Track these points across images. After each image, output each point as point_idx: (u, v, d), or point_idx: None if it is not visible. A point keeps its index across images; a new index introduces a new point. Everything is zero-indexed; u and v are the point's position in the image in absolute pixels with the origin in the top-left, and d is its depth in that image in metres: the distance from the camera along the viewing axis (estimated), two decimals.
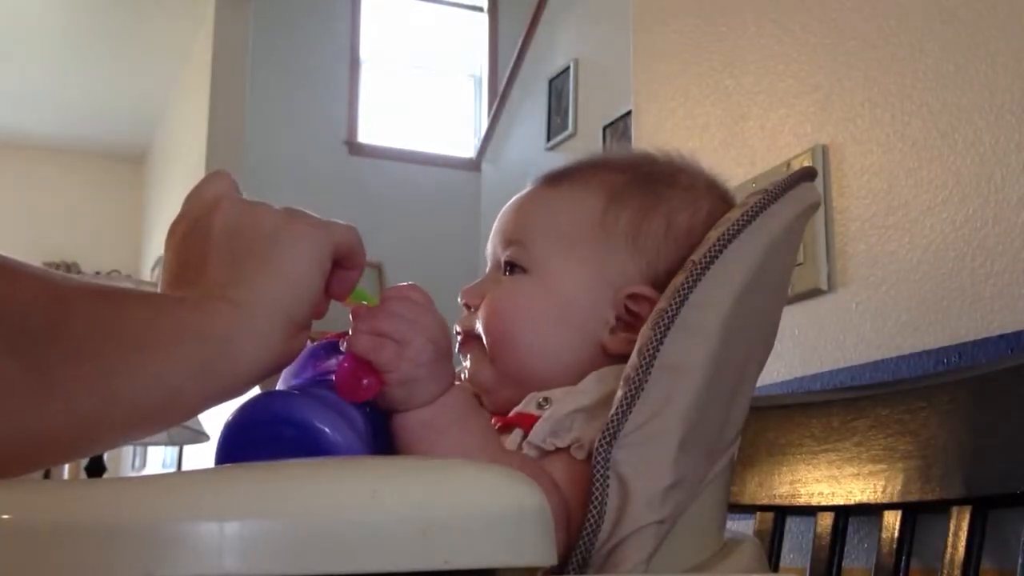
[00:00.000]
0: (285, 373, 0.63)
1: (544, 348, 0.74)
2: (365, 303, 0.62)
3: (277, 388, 0.62)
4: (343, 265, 0.60)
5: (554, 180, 0.80)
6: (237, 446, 0.56)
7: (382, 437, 0.61)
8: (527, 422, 0.70)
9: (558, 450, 0.68)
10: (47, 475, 3.50)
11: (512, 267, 0.77)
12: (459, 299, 0.78)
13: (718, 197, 0.79)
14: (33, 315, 0.45)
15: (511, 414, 0.71)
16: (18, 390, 0.44)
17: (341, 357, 0.60)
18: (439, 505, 0.40)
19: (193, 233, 0.57)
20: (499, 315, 0.75)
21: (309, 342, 0.62)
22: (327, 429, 0.55)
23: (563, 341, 0.74)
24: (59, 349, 0.45)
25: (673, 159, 0.82)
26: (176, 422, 0.52)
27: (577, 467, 0.67)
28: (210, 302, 0.52)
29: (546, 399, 0.71)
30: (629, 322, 0.74)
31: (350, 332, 0.60)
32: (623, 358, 0.71)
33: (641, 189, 0.77)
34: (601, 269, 0.75)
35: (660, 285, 0.73)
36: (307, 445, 0.55)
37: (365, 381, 0.59)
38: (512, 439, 0.69)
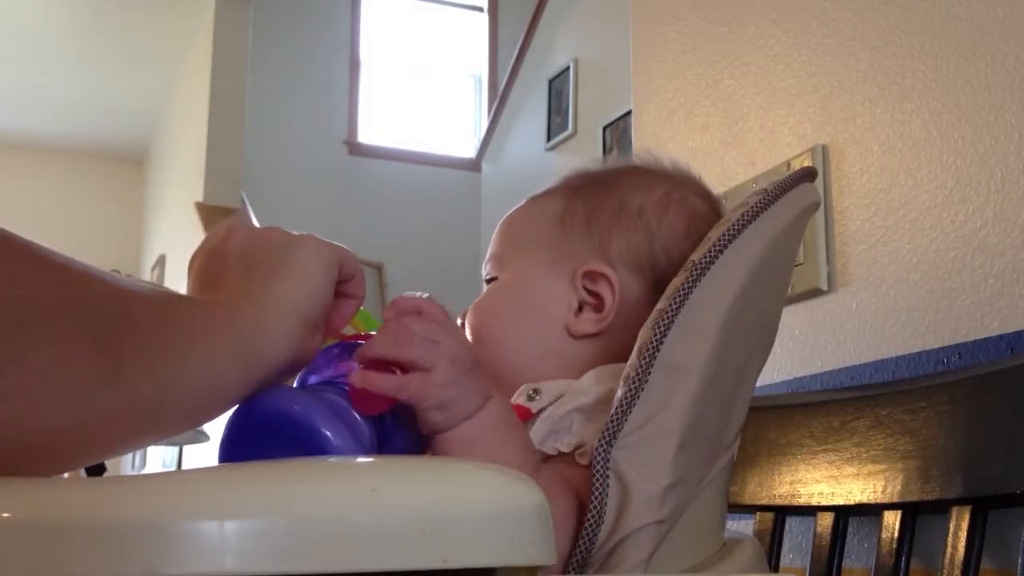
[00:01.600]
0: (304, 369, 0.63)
1: (511, 337, 0.77)
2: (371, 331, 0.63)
3: (294, 385, 0.62)
4: (344, 291, 0.63)
5: (532, 197, 0.84)
6: (242, 436, 0.57)
7: (388, 448, 0.60)
8: (518, 413, 0.70)
9: (561, 455, 0.68)
10: None
11: (491, 280, 0.81)
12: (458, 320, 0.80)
13: (679, 183, 0.81)
14: (105, 307, 0.49)
15: None
16: (96, 375, 0.48)
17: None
18: (438, 504, 0.40)
19: (209, 259, 0.62)
20: (473, 317, 0.79)
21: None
22: (330, 434, 0.55)
23: (528, 328, 0.77)
24: (127, 339, 0.49)
25: (661, 160, 0.83)
26: (216, 413, 0.56)
27: (583, 473, 0.67)
28: (234, 305, 0.57)
29: (536, 391, 0.72)
30: (592, 303, 0.76)
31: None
32: (591, 340, 0.75)
33: (600, 184, 0.81)
34: (557, 256, 0.78)
35: (614, 263, 0.76)
36: (309, 447, 0.55)
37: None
38: None
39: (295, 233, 0.62)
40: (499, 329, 0.76)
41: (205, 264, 0.62)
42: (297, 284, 0.59)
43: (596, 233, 0.78)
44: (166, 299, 0.55)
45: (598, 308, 0.76)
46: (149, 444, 0.57)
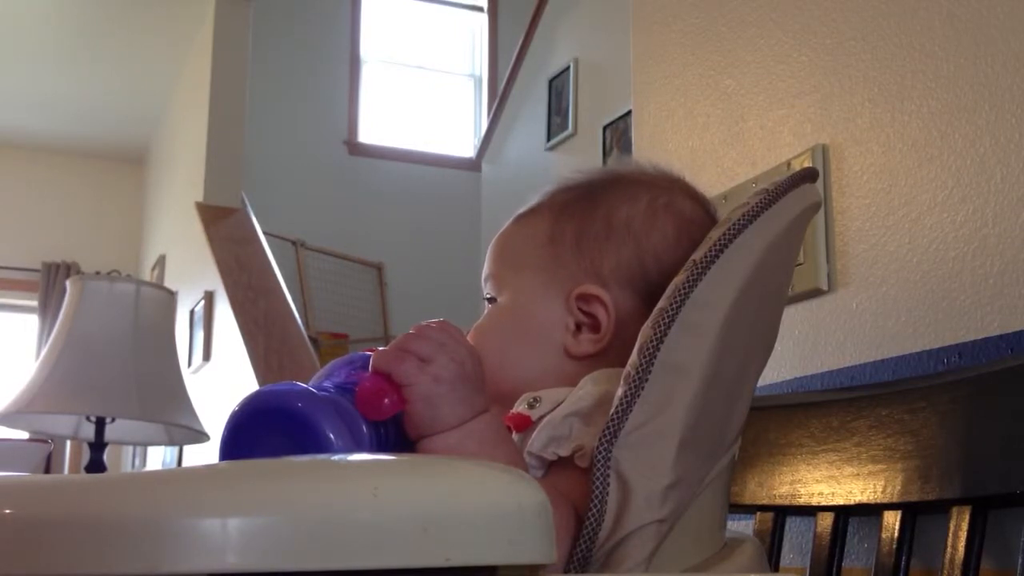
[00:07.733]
0: (319, 373, 0.64)
1: (509, 359, 0.77)
2: None
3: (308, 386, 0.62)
4: None
5: (519, 215, 0.85)
6: (243, 433, 0.57)
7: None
8: (518, 421, 0.70)
9: (561, 459, 0.69)
10: (48, 470, 3.49)
11: (491, 300, 0.82)
12: None
13: (665, 188, 0.81)
14: None
15: (507, 416, 0.72)
16: None
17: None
18: (440, 502, 0.40)
19: None
20: (474, 340, 0.80)
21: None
22: (331, 434, 0.56)
23: (528, 352, 0.78)
24: None
25: (643, 167, 0.83)
26: None
27: (582, 476, 0.67)
28: None
29: (536, 399, 0.73)
30: (589, 323, 0.77)
31: None
32: (590, 359, 0.75)
33: (584, 199, 0.81)
34: (551, 279, 0.79)
35: (606, 282, 0.77)
36: (309, 445, 0.55)
37: (387, 400, 0.59)
38: None
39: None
40: (499, 353, 0.77)
41: None
42: None
43: (587, 253, 0.78)
44: None
45: (595, 328, 0.77)
46: None
